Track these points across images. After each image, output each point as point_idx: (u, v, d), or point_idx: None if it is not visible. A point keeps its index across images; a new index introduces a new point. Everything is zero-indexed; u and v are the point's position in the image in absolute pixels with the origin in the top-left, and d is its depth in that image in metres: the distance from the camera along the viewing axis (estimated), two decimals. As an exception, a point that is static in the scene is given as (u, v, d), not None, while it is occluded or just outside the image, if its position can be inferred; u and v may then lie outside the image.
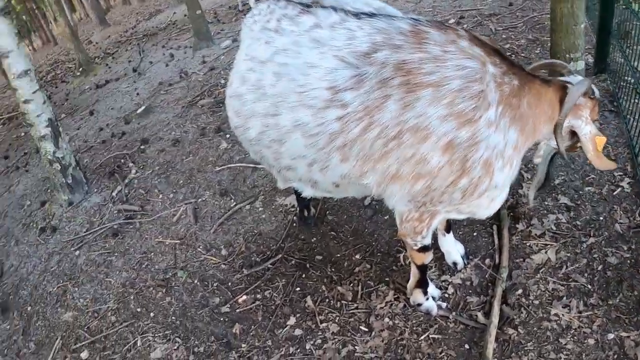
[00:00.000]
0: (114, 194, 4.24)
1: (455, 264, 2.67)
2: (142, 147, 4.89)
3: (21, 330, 3.50)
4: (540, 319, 2.35)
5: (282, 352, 2.68)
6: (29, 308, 3.62)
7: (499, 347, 2.28)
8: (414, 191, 1.82)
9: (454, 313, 2.48)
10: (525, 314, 2.38)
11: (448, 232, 2.63)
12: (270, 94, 1.95)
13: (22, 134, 6.86)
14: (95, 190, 4.41)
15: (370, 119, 1.69)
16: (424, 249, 2.24)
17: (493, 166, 1.76)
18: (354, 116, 1.70)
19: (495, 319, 2.34)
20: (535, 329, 2.32)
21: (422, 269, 2.38)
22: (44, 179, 4.97)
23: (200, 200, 3.87)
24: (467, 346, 2.34)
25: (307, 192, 2.29)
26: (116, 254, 3.63)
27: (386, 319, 2.58)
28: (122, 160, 4.76)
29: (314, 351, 2.61)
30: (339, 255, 3.04)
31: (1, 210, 4.96)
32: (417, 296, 2.50)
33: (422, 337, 2.43)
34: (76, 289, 3.51)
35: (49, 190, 4.71)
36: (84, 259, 3.72)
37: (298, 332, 2.74)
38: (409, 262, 2.59)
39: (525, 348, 2.25)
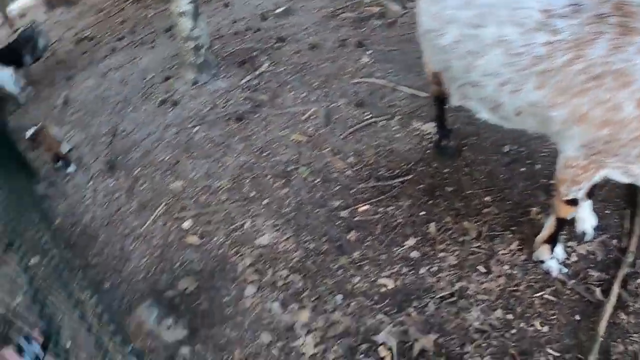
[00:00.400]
0: (242, 81, 4.46)
1: (584, 233, 2.67)
2: (277, 44, 5.07)
3: (126, 188, 3.83)
4: (653, 313, 2.28)
5: (395, 270, 2.77)
6: (137, 171, 3.95)
7: (607, 329, 2.29)
8: (596, 137, 1.85)
9: (572, 281, 2.51)
10: (640, 304, 2.33)
11: (589, 197, 2.60)
12: (478, 4, 2.04)
13: (151, 13, 7.36)
14: (223, 75, 4.66)
15: (578, 51, 1.75)
16: (572, 202, 2.25)
17: None
18: (563, 45, 1.77)
19: (613, 298, 2.38)
20: (646, 321, 2.27)
21: (561, 223, 2.40)
22: (171, 57, 5.33)
23: (333, 105, 3.97)
24: (577, 317, 2.38)
25: (483, 115, 2.38)
26: (237, 138, 3.84)
27: (505, 267, 2.64)
28: (255, 53, 4.98)
29: (427, 277, 2.71)
30: (469, 192, 3.08)
31: (122, 78, 5.40)
32: (543, 252, 2.54)
33: (537, 295, 2.49)
34: (190, 161, 3.77)
35: (174, 67, 5.04)
36: (202, 135, 3.97)
37: (415, 254, 2.83)
38: (540, 218, 2.70)
39: (632, 337, 2.24)
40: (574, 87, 1.81)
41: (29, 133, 4.01)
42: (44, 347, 2.75)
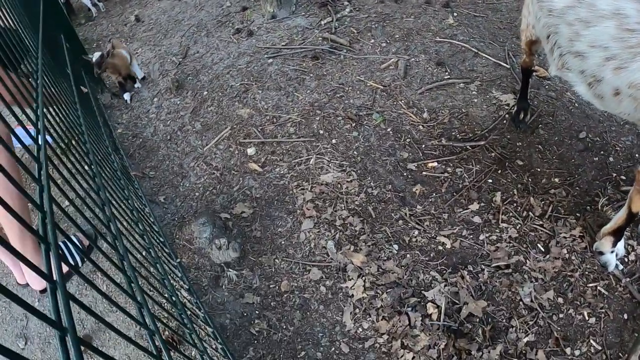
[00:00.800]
0: (322, 22, 4.37)
1: None
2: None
3: (191, 108, 3.83)
4: None
5: (455, 231, 2.73)
6: (205, 93, 3.94)
7: None
8: None
9: (627, 279, 2.49)
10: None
11: None
12: None
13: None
14: (303, 13, 4.57)
15: None
16: None
17: None
18: None
19: None
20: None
21: (631, 217, 2.34)
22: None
23: (413, 59, 3.87)
24: (625, 316, 2.37)
25: (579, 89, 2.29)
26: (311, 75, 3.78)
27: (564, 250, 2.62)
28: (337, -4, 4.86)
29: (485, 244, 2.69)
30: (539, 169, 3.02)
31: (198, 3, 5.36)
32: (605, 243, 2.50)
33: (590, 285, 2.49)
34: (260, 91, 3.73)
35: (253, -1, 4.97)
36: (275, 68, 3.92)
37: (477, 219, 2.80)
38: (606, 210, 2.68)
39: None
40: None
41: (95, 56, 3.91)
42: (88, 251, 2.80)
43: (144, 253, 2.37)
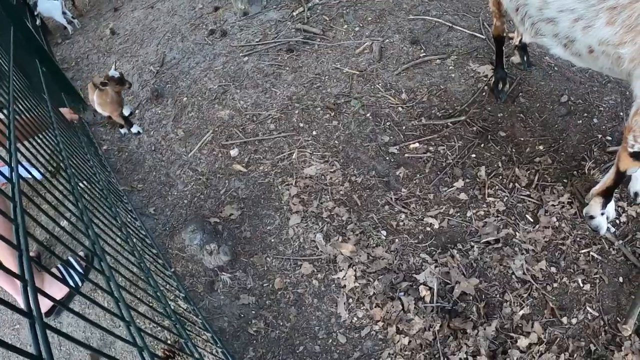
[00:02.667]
0: (294, 13, 4.37)
1: (636, 194, 2.65)
2: (332, -22, 4.92)
3: (173, 116, 3.85)
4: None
5: (442, 210, 2.74)
6: (185, 99, 3.95)
7: None
8: None
9: (620, 242, 2.49)
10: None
11: None
12: None
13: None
14: (274, 7, 4.56)
15: None
16: (636, 155, 2.21)
17: None
18: None
19: None
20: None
21: (620, 177, 2.37)
22: (220, -14, 5.25)
23: (387, 40, 3.86)
24: (620, 279, 2.38)
25: (556, 51, 2.36)
26: (287, 69, 3.79)
27: (553, 219, 2.62)
28: (307, -13, 4.85)
29: (473, 221, 2.70)
30: (522, 139, 3.02)
31: (171, 9, 5.36)
32: (594, 206, 2.52)
33: (583, 251, 2.49)
34: (238, 91, 3.75)
35: (224, -2, 4.97)
36: (251, 65, 3.93)
37: (463, 196, 2.82)
38: (593, 173, 2.71)
39: None
40: (639, 24, 1.81)
41: (114, 73, 3.56)
42: (86, 271, 2.84)
43: (135, 269, 2.40)
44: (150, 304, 2.26)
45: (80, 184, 2.76)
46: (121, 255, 2.31)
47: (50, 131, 2.70)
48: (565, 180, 2.76)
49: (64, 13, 5.81)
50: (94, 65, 4.98)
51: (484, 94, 3.28)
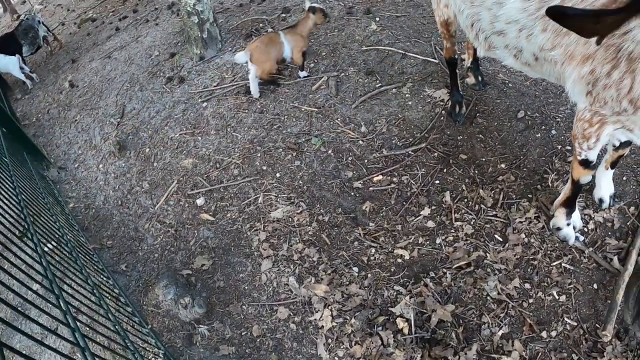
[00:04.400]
0: (249, 54, 4.40)
1: (601, 201, 2.71)
2: (282, 14, 5.01)
3: (137, 169, 3.84)
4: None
5: (411, 240, 2.77)
6: (148, 150, 3.95)
7: (625, 296, 2.32)
8: (582, 73, 1.92)
9: (590, 249, 2.53)
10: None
11: (612, 167, 2.63)
12: None
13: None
14: (229, 49, 4.61)
15: None
16: (585, 164, 2.29)
17: (637, 66, 1.71)
18: None
19: (630, 267, 2.40)
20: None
21: (576, 188, 2.43)
22: (174, 33, 5.29)
23: (342, 74, 3.92)
24: (595, 286, 2.42)
25: (509, 62, 2.47)
26: (246, 111, 3.82)
27: (522, 235, 2.66)
28: (261, 25, 4.92)
29: (443, 247, 2.73)
30: (483, 159, 3.07)
31: (128, 58, 5.37)
32: (559, 218, 2.57)
33: (555, 264, 2.52)
34: (200, 138, 3.76)
35: (179, 44, 5.00)
36: (211, 111, 3.96)
37: (430, 224, 2.84)
38: (557, 185, 2.74)
39: None
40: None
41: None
42: None
43: (110, 331, 2.37)
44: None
45: (49, 245, 2.73)
46: (95, 321, 2.28)
47: (14, 196, 2.68)
48: (530, 196, 2.80)
49: (21, 68, 5.77)
50: (55, 120, 4.96)
51: (442, 118, 3.34)
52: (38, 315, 2.96)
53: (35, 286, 2.87)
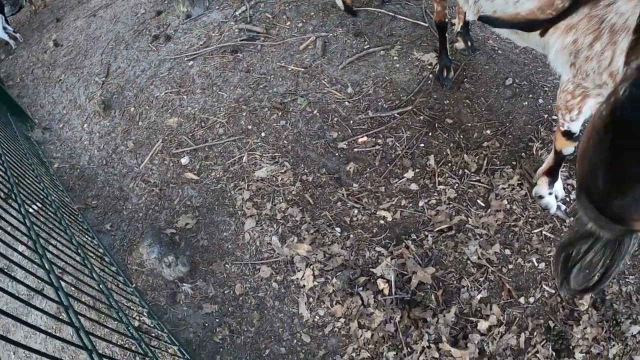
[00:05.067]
0: (237, 13, 4.32)
1: None
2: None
3: (121, 128, 3.80)
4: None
5: (394, 202, 2.77)
6: (132, 109, 3.90)
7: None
8: (565, 43, 1.89)
9: (571, 219, 2.53)
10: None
11: None
12: None
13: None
14: (217, 7, 4.51)
15: None
16: (568, 135, 2.27)
17: (618, 39, 1.67)
18: None
19: None
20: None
21: (559, 158, 2.43)
22: (162, -10, 5.16)
23: (331, 35, 3.86)
24: None
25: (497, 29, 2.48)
26: (232, 71, 3.76)
27: (504, 201, 2.67)
28: (249, -17, 4.80)
29: (426, 210, 2.74)
30: (469, 124, 3.06)
31: (113, 16, 5.25)
32: (542, 186, 2.58)
33: (535, 231, 2.55)
34: (185, 97, 3.71)
35: (166, 1, 4.89)
36: (197, 69, 3.89)
37: (414, 187, 2.85)
38: (541, 154, 2.74)
39: (627, 279, 2.33)
40: None
41: None
42: None
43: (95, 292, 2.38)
44: (113, 327, 2.25)
45: (34, 206, 2.71)
46: (80, 280, 2.28)
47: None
48: (514, 163, 2.80)
49: (4, 28, 5.65)
50: (39, 80, 4.87)
51: (429, 82, 3.30)
52: (24, 277, 2.96)
53: (21, 247, 2.87)
